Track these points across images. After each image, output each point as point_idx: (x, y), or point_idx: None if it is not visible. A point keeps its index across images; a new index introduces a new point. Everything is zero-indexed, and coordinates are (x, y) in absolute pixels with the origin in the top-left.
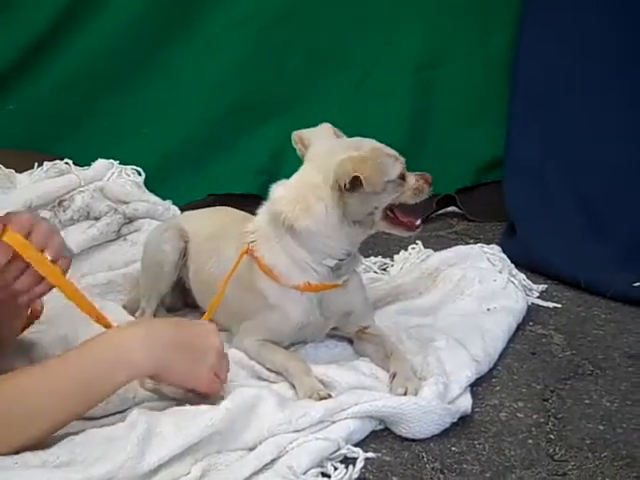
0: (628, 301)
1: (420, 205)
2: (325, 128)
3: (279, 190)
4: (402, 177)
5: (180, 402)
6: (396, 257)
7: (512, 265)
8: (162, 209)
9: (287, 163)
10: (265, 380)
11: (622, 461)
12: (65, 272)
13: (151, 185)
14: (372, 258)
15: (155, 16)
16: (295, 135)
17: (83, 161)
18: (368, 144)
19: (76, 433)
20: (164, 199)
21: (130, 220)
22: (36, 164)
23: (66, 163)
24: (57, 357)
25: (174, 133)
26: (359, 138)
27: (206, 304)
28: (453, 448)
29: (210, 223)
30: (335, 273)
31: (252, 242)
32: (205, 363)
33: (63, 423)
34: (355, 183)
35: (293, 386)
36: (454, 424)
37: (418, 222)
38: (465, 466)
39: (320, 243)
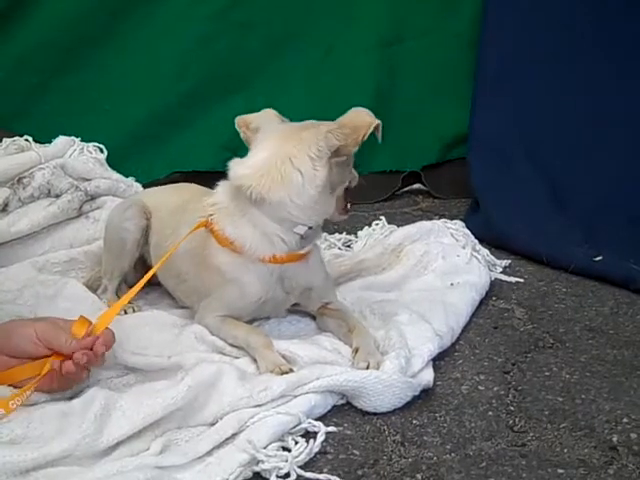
0: (589, 275)
1: (386, 181)
2: (269, 113)
3: (240, 166)
4: None
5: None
6: (360, 233)
7: (476, 241)
8: (125, 186)
9: None
10: (227, 355)
11: (580, 431)
12: None
13: (114, 163)
14: (336, 235)
15: None
16: (239, 119)
17: (44, 138)
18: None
19: (32, 405)
20: (127, 177)
21: (92, 197)
22: None
23: (26, 140)
24: None
25: (136, 110)
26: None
27: (167, 281)
28: (414, 421)
29: (171, 199)
30: (302, 242)
31: (211, 215)
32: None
33: None
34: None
35: (255, 361)
36: (416, 397)
37: (349, 206)
38: (426, 438)
39: (290, 213)
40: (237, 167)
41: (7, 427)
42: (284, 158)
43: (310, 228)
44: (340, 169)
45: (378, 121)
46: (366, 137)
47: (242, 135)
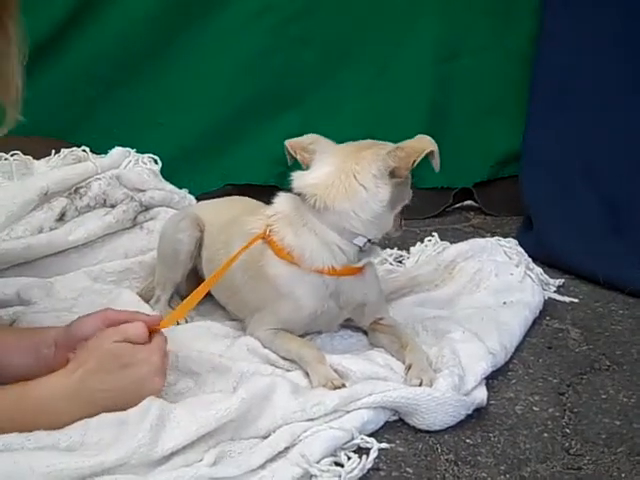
0: None
1: (437, 197)
2: (317, 136)
3: (306, 177)
4: None
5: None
6: (412, 249)
7: (529, 259)
8: (178, 197)
9: None
10: (280, 368)
11: (638, 456)
12: None
13: (168, 175)
14: (388, 250)
15: (173, 5)
16: (292, 143)
17: (100, 149)
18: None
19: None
20: (180, 189)
21: (146, 208)
22: (53, 151)
23: (83, 150)
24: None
25: (190, 123)
26: (367, 140)
27: (219, 293)
28: (468, 440)
29: (224, 212)
30: (360, 255)
31: (269, 226)
32: (145, 393)
33: None
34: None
35: (307, 375)
36: (469, 416)
37: (403, 222)
38: (479, 458)
39: (352, 225)
40: (302, 177)
41: (65, 434)
42: (348, 173)
43: (369, 241)
44: (400, 188)
45: (433, 147)
46: (416, 163)
47: (298, 157)
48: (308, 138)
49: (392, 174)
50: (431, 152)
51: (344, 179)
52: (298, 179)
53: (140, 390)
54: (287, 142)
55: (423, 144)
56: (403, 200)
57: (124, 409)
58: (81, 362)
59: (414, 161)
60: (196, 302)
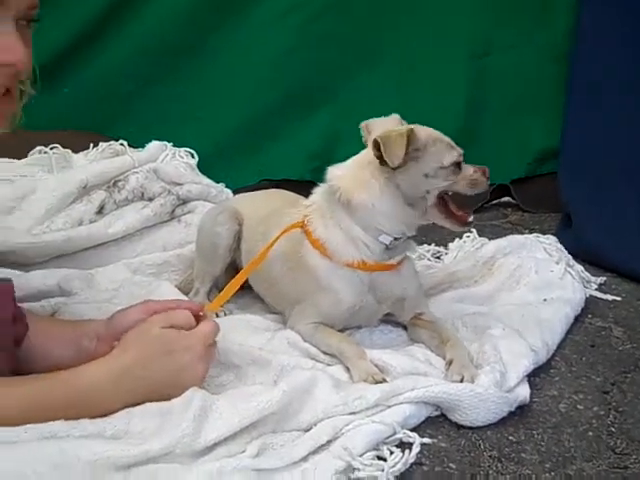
0: None
1: (474, 198)
2: (393, 118)
3: (336, 169)
4: (457, 166)
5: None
6: (451, 245)
7: (569, 256)
8: (215, 191)
9: (339, 149)
10: (320, 362)
11: None
12: None
13: (204, 170)
14: (425, 246)
15: (207, 2)
16: (363, 124)
17: (137, 143)
18: (422, 129)
19: (129, 406)
20: (217, 183)
21: (184, 201)
22: (92, 145)
23: (121, 144)
24: (34, 379)
25: (227, 118)
26: (418, 125)
27: (258, 285)
28: (511, 437)
29: (262, 205)
30: (388, 253)
31: (306, 216)
32: (188, 381)
33: None
34: (381, 156)
35: (348, 369)
36: (512, 413)
37: (470, 218)
38: (524, 455)
39: (375, 220)
40: (333, 169)
41: (110, 423)
42: (365, 163)
43: (397, 239)
44: (411, 179)
45: (396, 131)
46: (389, 151)
47: (363, 140)
48: (381, 119)
49: (383, 163)
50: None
51: (359, 170)
52: (331, 171)
53: (182, 377)
54: (362, 123)
55: (388, 133)
56: (420, 193)
57: (166, 396)
58: (126, 348)
59: (376, 143)
60: (235, 289)
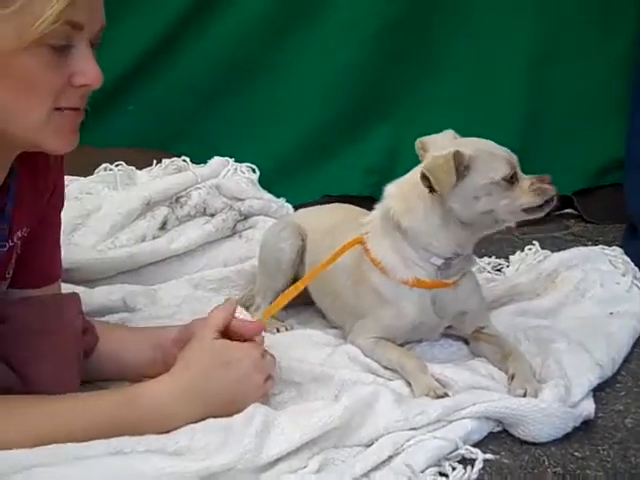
0: None
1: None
2: (448, 134)
3: (391, 187)
4: (511, 179)
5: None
6: (512, 257)
7: (636, 268)
8: (276, 206)
9: (399, 164)
10: (381, 377)
11: None
12: None
13: (265, 187)
14: (485, 258)
15: (269, 21)
16: (417, 142)
17: (200, 159)
18: (471, 143)
19: (194, 421)
20: (278, 197)
21: (245, 217)
22: (155, 161)
23: (184, 160)
24: (99, 396)
25: (288, 134)
26: (473, 138)
27: (320, 298)
28: (576, 453)
29: (326, 220)
30: (443, 273)
31: (366, 234)
32: (249, 396)
33: None
34: (431, 186)
35: (409, 384)
36: (576, 429)
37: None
38: (589, 472)
39: (422, 241)
40: (390, 187)
41: (172, 439)
42: (414, 182)
43: (450, 259)
44: (461, 201)
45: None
46: (439, 181)
47: (420, 158)
48: (436, 136)
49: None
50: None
51: (408, 190)
52: (387, 188)
53: (242, 387)
54: (417, 140)
55: (434, 161)
56: (473, 214)
57: (229, 408)
58: (185, 364)
59: (423, 176)
60: (291, 297)
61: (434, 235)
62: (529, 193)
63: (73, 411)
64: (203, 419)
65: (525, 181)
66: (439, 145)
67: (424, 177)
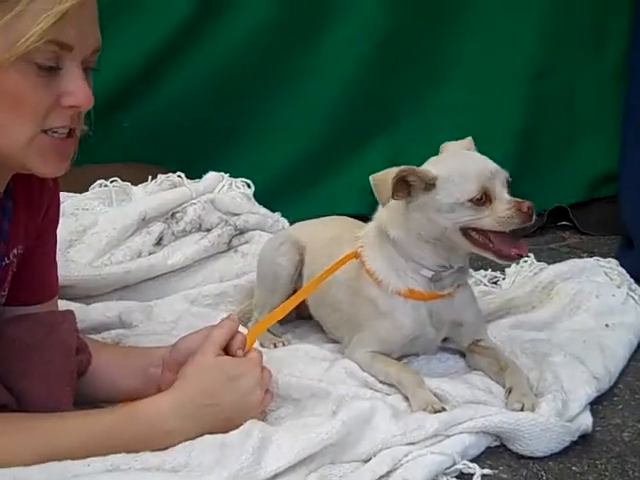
0: None
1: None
2: (464, 142)
3: None
4: (480, 201)
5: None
6: (508, 270)
7: (631, 280)
8: (272, 221)
9: None
10: (378, 392)
11: None
12: None
13: (261, 203)
14: (482, 271)
15: (267, 35)
16: (441, 146)
17: (195, 175)
18: (454, 160)
19: (192, 437)
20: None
21: (241, 232)
22: (150, 177)
23: (179, 176)
24: (98, 414)
25: (285, 151)
26: (466, 153)
27: (320, 313)
28: (574, 468)
29: (324, 233)
30: (436, 285)
31: (361, 246)
32: (249, 411)
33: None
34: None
35: (406, 398)
36: (574, 443)
37: (513, 251)
38: None
39: (411, 253)
40: None
41: (170, 456)
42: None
43: (440, 272)
44: (425, 214)
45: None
46: (381, 191)
47: None
48: (455, 143)
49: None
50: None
51: (393, 206)
52: None
53: (245, 402)
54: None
55: (381, 174)
56: (437, 225)
57: (229, 424)
58: (186, 381)
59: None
60: (289, 310)
61: (417, 247)
62: (490, 218)
63: (73, 428)
64: (202, 434)
65: (502, 204)
66: (451, 151)
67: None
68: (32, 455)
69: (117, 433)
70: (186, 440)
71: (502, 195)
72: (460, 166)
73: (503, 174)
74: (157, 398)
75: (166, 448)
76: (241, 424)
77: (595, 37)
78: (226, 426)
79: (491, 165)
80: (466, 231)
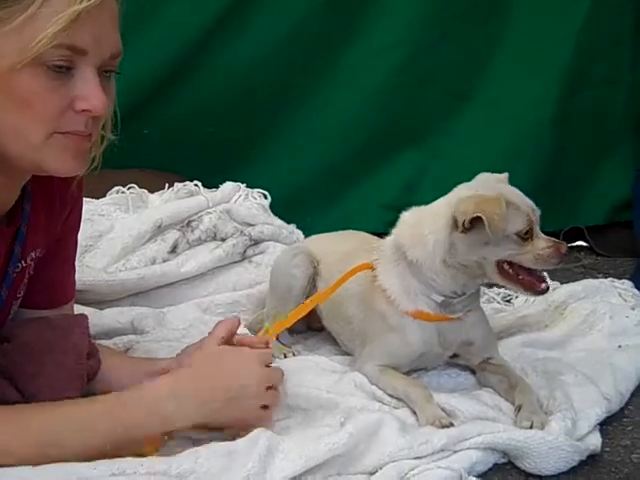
0: None
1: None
2: (501, 176)
3: (407, 215)
4: (525, 235)
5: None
6: None
7: None
8: (287, 232)
9: (418, 202)
10: (387, 405)
11: None
12: None
13: (278, 216)
14: (495, 289)
15: (290, 44)
16: (477, 176)
17: (212, 184)
18: (499, 188)
19: (199, 443)
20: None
21: (255, 242)
22: (167, 185)
23: (195, 185)
24: (96, 400)
25: (304, 163)
26: (501, 185)
27: (333, 325)
28: None
29: (339, 247)
30: (448, 308)
31: (376, 259)
32: (247, 398)
33: (95, 455)
34: (475, 223)
35: (414, 413)
36: (582, 463)
37: (543, 286)
38: None
39: (426, 276)
40: (406, 213)
41: (176, 461)
42: (423, 218)
43: (452, 297)
44: (470, 243)
45: (497, 210)
46: (487, 227)
47: None
48: (484, 176)
49: (455, 225)
50: (493, 215)
51: (417, 224)
52: (403, 215)
53: (242, 393)
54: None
55: (489, 204)
56: (477, 255)
57: (228, 413)
58: (187, 365)
59: (464, 221)
60: (298, 317)
61: (435, 272)
62: (530, 255)
63: (71, 415)
64: (200, 424)
65: (540, 242)
66: (491, 182)
67: (478, 218)
68: (33, 444)
69: (115, 416)
70: (185, 427)
71: (539, 233)
72: (511, 198)
73: (538, 212)
74: (156, 382)
75: (167, 433)
76: (242, 416)
77: (627, 53)
78: (226, 415)
79: (530, 201)
80: (500, 264)
